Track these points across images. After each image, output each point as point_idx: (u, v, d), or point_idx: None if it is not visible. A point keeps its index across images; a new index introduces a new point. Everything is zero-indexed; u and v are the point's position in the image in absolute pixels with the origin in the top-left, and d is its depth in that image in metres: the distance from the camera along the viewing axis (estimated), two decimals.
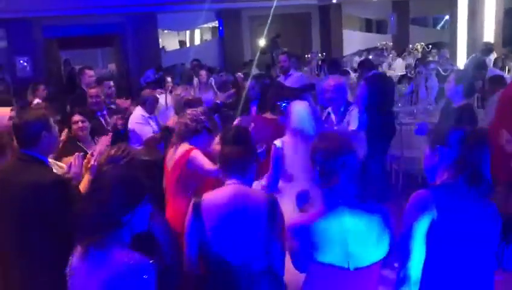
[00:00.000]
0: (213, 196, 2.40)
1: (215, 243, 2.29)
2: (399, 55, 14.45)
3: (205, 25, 17.81)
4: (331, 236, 2.12)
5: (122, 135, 4.98)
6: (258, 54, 11.38)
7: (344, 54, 16.39)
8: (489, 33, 10.17)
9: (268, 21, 9.92)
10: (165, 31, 17.67)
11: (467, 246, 2.02)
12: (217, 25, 16.29)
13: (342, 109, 4.39)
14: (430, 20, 21.36)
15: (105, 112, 5.47)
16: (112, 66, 15.74)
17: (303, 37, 17.25)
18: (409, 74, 9.67)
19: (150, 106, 5.49)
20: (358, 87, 6.19)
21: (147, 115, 5.46)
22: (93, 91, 5.46)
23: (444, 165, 2.10)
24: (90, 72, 6.57)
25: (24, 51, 13.37)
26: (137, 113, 5.48)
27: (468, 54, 10.04)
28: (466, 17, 10.34)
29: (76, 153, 3.01)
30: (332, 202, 2.15)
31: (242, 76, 7.64)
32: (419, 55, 12.88)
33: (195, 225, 2.33)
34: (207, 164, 3.23)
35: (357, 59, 14.39)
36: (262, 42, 14.07)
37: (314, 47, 17.34)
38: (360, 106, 5.10)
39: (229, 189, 2.39)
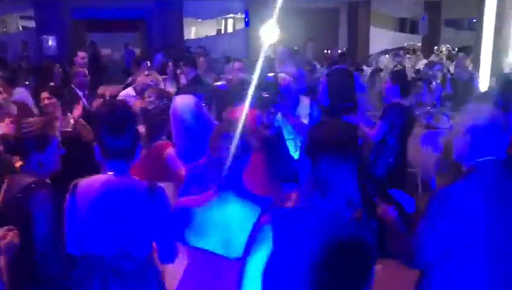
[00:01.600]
0: (89, 180, 2.19)
1: (84, 229, 2.11)
2: (426, 57, 14.12)
3: (238, 15, 17.77)
4: (212, 222, 2.05)
5: None
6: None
7: (371, 52, 16.12)
8: None
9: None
10: (199, 20, 17.73)
11: None
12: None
13: (294, 105, 4.20)
14: (465, 22, 20.76)
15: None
16: (138, 51, 15.90)
17: (330, 32, 17.04)
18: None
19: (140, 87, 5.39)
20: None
21: (132, 93, 5.31)
22: (79, 70, 5.57)
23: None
24: (82, 54, 6.76)
25: (51, 31, 13.67)
26: (125, 92, 5.43)
27: (494, 60, 9.70)
28: (494, 20, 9.93)
29: None
30: (220, 188, 2.09)
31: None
32: (444, 58, 12.52)
33: (70, 206, 2.15)
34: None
35: (383, 58, 14.19)
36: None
37: (341, 43, 17.14)
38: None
39: (105, 176, 2.18)
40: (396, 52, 13.24)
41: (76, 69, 5.65)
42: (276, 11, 14.77)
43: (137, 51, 15.77)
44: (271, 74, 3.96)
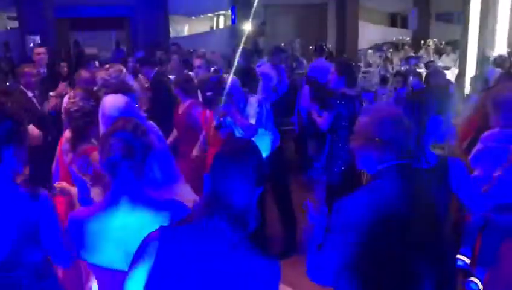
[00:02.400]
0: None
1: None
2: (416, 51, 14.00)
3: (223, 12, 17.61)
4: (105, 235, 1.84)
5: (53, 116, 4.75)
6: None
7: (360, 48, 16.00)
8: (502, 33, 9.65)
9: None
10: (193, 18, 17.54)
11: None
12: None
13: (241, 105, 4.03)
14: (455, 16, 20.63)
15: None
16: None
17: (319, 28, 16.90)
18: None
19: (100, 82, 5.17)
20: None
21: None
22: (25, 70, 5.05)
23: None
24: (38, 50, 6.41)
25: (35, 30, 13.45)
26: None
27: (479, 54, 9.58)
28: (478, 14, 9.80)
29: None
30: (111, 195, 1.89)
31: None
32: (432, 52, 12.39)
33: None
34: None
35: (372, 53, 14.05)
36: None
37: (330, 38, 17.00)
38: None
39: None
40: (379, 47, 13.13)
41: (23, 69, 5.10)
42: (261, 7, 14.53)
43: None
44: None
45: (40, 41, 13.67)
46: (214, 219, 1.51)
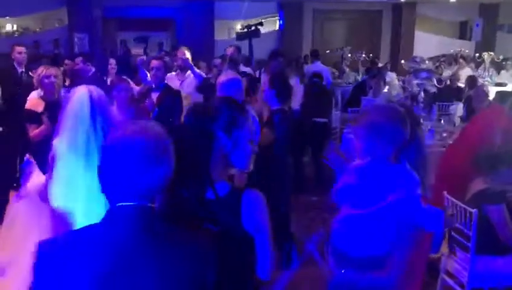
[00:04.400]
0: None
1: None
2: (479, 65, 12.90)
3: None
4: None
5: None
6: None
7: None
8: None
9: None
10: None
11: None
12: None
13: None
14: None
15: None
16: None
17: (372, 35, 16.07)
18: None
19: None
20: None
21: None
22: None
23: None
24: (19, 49, 6.48)
25: (83, 29, 13.76)
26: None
27: None
28: None
29: None
30: None
31: (219, 61, 7.00)
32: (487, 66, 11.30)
33: None
34: None
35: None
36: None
37: (383, 47, 16.14)
38: None
39: None
40: (435, 59, 12.13)
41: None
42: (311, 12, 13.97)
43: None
44: None
45: (87, 40, 14.02)
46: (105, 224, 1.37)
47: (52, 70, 4.39)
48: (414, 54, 15.43)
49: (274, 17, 15.46)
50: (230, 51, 5.81)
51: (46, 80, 4.28)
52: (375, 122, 2.14)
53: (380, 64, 12.51)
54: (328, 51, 13.44)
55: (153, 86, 5.01)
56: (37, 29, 15.63)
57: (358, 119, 2.24)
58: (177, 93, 5.01)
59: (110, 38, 14.44)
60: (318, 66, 9.92)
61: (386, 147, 2.11)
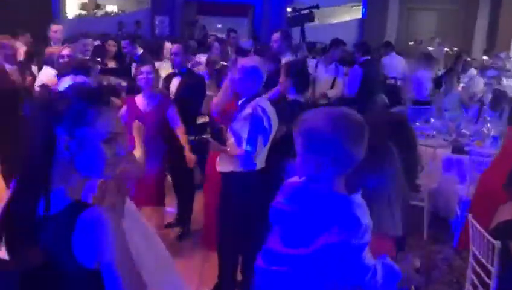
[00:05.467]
0: None
1: None
2: None
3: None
4: None
5: None
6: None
7: None
8: None
9: None
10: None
11: None
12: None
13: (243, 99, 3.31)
14: None
15: None
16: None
17: (465, 26, 14.73)
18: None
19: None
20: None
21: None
22: None
23: None
24: (54, 27, 6.28)
25: (164, 11, 14.03)
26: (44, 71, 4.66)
27: None
28: None
29: None
30: None
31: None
32: None
33: None
34: None
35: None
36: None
37: (477, 39, 14.76)
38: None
39: None
40: (496, 54, 10.67)
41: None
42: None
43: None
44: None
45: (167, 22, 14.30)
46: None
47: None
48: None
49: (358, 6, 14.71)
50: (275, 37, 5.34)
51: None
52: (308, 130, 1.63)
53: (468, 59, 11.44)
54: (411, 43, 12.55)
55: (176, 71, 4.83)
56: (132, 11, 16.18)
57: (295, 124, 1.68)
58: (199, 79, 4.83)
59: (190, 21, 14.58)
60: (393, 57, 9.27)
61: (321, 163, 1.59)
